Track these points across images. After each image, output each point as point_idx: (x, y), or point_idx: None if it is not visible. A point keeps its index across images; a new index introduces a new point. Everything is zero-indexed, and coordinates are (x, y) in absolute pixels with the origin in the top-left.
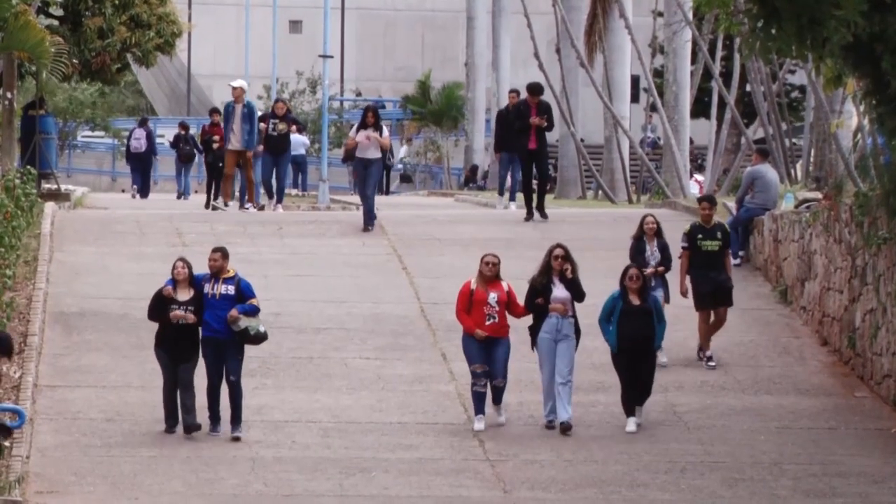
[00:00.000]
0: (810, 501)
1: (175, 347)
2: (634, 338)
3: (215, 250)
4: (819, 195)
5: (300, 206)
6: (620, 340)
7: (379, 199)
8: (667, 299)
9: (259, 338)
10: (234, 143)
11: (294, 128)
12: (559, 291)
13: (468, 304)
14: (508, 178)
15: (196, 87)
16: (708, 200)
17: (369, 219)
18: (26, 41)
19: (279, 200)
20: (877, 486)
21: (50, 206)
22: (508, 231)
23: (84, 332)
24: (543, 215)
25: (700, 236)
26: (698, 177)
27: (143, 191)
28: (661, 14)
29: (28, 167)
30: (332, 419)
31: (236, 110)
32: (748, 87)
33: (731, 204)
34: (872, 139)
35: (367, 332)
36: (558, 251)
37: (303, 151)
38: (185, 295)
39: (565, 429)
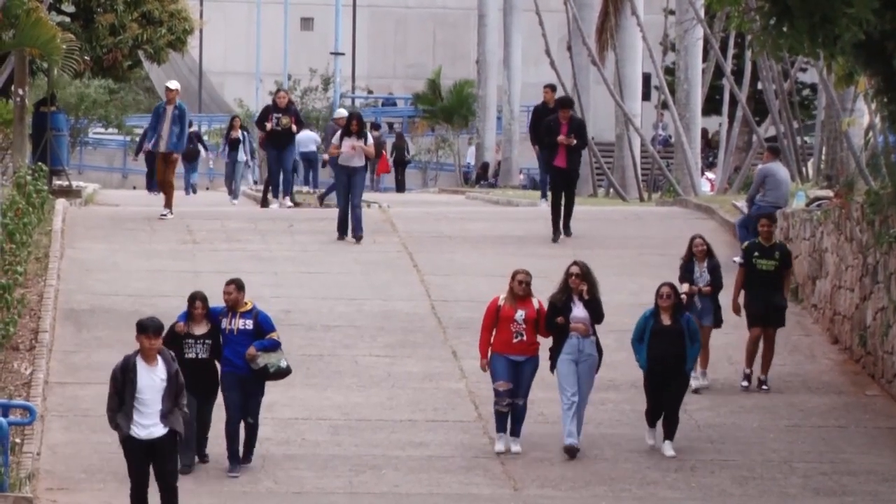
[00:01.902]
0: (820, 500)
1: (193, 385)
2: (663, 359)
3: (229, 283)
4: (830, 193)
5: (311, 203)
6: (650, 361)
7: (390, 197)
8: (717, 324)
9: (280, 374)
10: (163, 145)
11: (295, 126)
12: (579, 311)
13: (494, 321)
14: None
15: (207, 84)
16: (768, 218)
17: (359, 227)
18: (38, 38)
19: (286, 193)
20: (887, 484)
21: (61, 203)
22: (520, 228)
23: (95, 329)
24: (568, 233)
25: (756, 254)
26: (709, 175)
27: (156, 187)
28: (672, 12)
29: (39, 164)
30: (342, 416)
31: (167, 111)
32: (759, 85)
33: (742, 203)
34: (884, 137)
35: (378, 329)
36: (574, 269)
37: (313, 148)
38: (200, 329)
39: (571, 451)
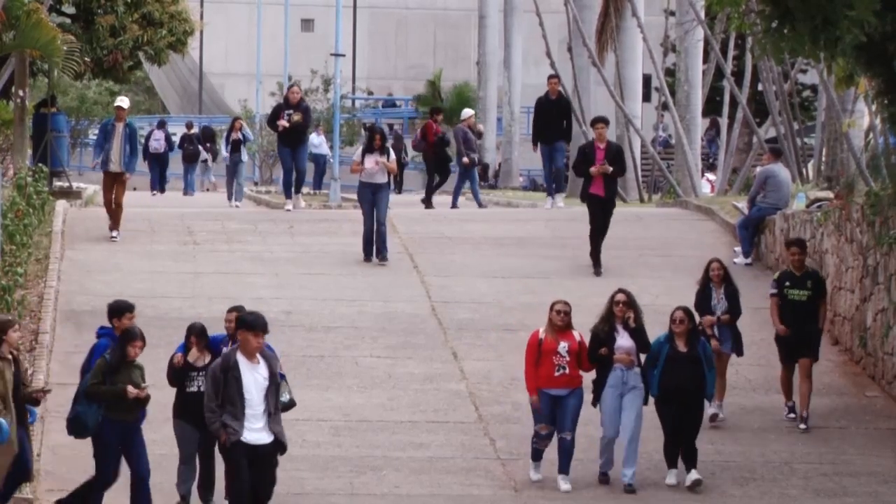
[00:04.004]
0: (821, 501)
1: (197, 420)
2: (679, 387)
3: (231, 310)
4: (830, 194)
5: (311, 204)
6: (664, 390)
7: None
8: (739, 352)
9: (282, 408)
10: (114, 165)
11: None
12: (623, 340)
13: (537, 355)
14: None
15: (208, 86)
16: (798, 245)
17: (383, 247)
18: (38, 39)
19: (297, 191)
20: (887, 485)
21: (61, 204)
22: (520, 229)
23: (95, 331)
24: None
25: (787, 284)
26: (710, 176)
27: (161, 188)
28: (673, 13)
29: (40, 165)
30: (342, 418)
31: (117, 129)
32: (760, 87)
33: (743, 204)
34: (884, 138)
35: (379, 330)
36: (620, 296)
37: (324, 151)
38: (201, 361)
39: (630, 491)
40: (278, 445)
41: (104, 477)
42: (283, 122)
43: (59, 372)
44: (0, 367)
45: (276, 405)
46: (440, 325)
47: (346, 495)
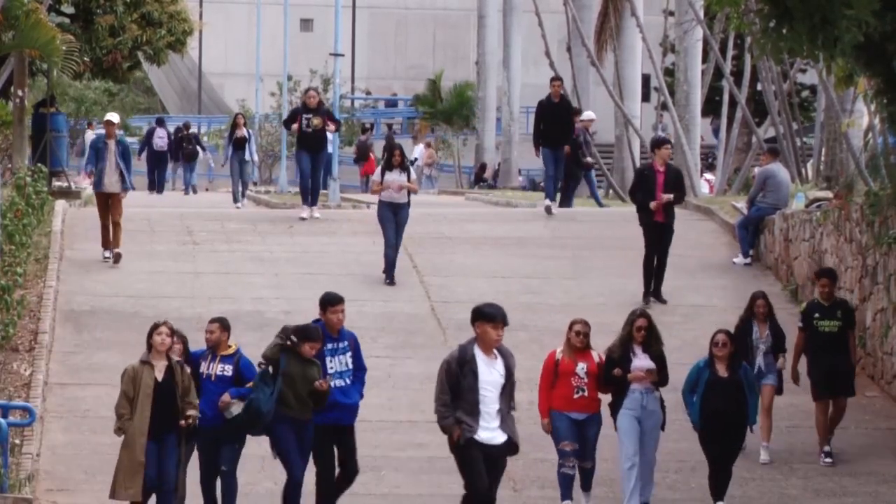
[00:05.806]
0: (821, 500)
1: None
2: (720, 413)
3: (213, 321)
4: (830, 194)
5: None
6: (706, 417)
7: None
8: (779, 390)
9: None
10: (108, 184)
11: (331, 126)
12: (640, 360)
13: (553, 377)
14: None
15: (207, 86)
16: (828, 276)
17: (393, 268)
18: (37, 39)
19: (314, 203)
20: (887, 485)
21: (60, 204)
22: (519, 229)
23: (94, 331)
24: (661, 300)
25: (817, 315)
26: (708, 176)
27: (160, 187)
28: (672, 13)
29: (39, 165)
30: None
31: (109, 146)
32: (759, 87)
33: (742, 204)
34: (883, 138)
35: (378, 330)
36: (641, 321)
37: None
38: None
39: None
40: (511, 446)
41: (294, 478)
42: (309, 125)
43: (58, 372)
44: (137, 371)
45: (511, 405)
46: (440, 324)
47: (345, 495)
